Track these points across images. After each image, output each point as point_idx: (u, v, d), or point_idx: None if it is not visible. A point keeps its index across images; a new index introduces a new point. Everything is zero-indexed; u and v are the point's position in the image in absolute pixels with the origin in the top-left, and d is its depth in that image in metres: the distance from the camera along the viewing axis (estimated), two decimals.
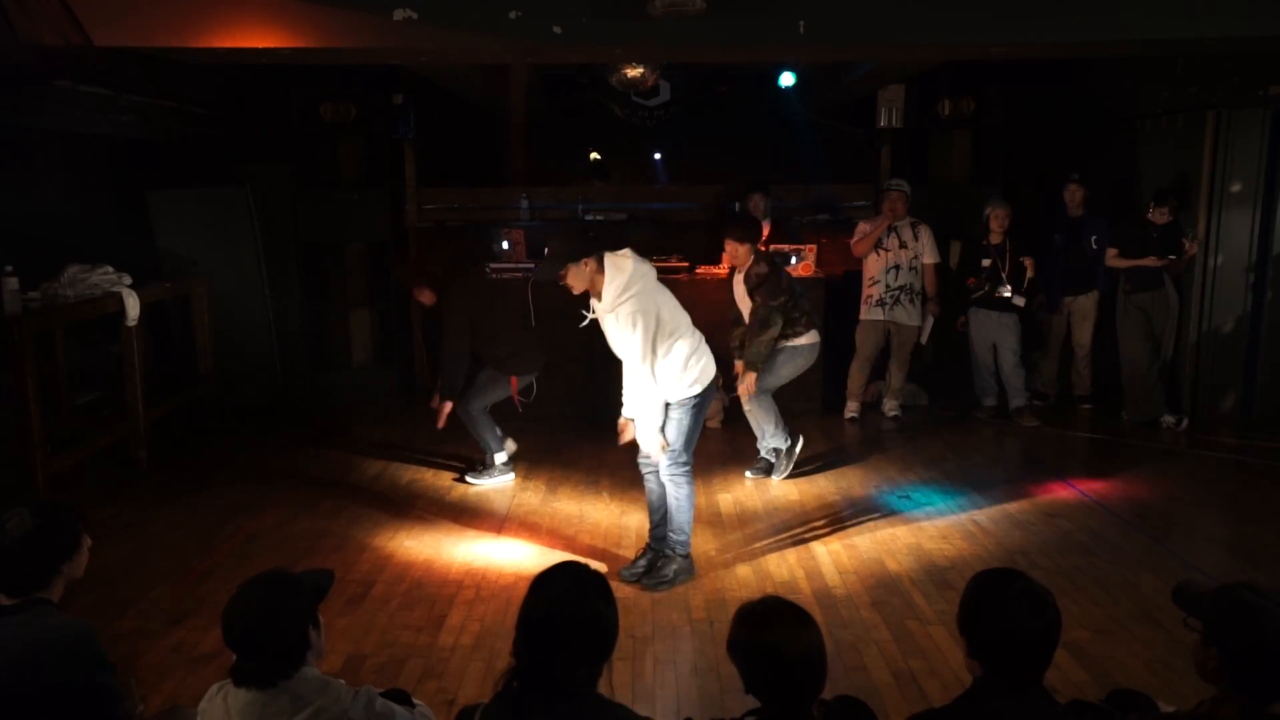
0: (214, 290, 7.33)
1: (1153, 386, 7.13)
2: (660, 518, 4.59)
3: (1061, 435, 7.05)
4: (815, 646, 2.20)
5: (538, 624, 2.13)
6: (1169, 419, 7.06)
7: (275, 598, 2.24)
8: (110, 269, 5.97)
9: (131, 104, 6.60)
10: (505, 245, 7.80)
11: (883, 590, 4.47)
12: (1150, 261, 6.98)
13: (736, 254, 5.83)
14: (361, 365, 8.43)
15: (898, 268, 7.14)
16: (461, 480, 5.99)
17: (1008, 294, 7.11)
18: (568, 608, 2.12)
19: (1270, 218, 6.98)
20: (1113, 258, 7.19)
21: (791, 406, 6.43)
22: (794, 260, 7.50)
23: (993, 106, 8.10)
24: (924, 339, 7.37)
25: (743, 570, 4.69)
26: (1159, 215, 6.99)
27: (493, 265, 7.58)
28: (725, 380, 5.65)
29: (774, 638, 2.18)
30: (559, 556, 4.63)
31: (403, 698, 2.55)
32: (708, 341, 4.52)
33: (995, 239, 7.17)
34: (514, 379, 5.83)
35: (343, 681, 2.31)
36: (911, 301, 7.20)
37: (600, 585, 2.21)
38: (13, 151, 6.09)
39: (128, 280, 6.06)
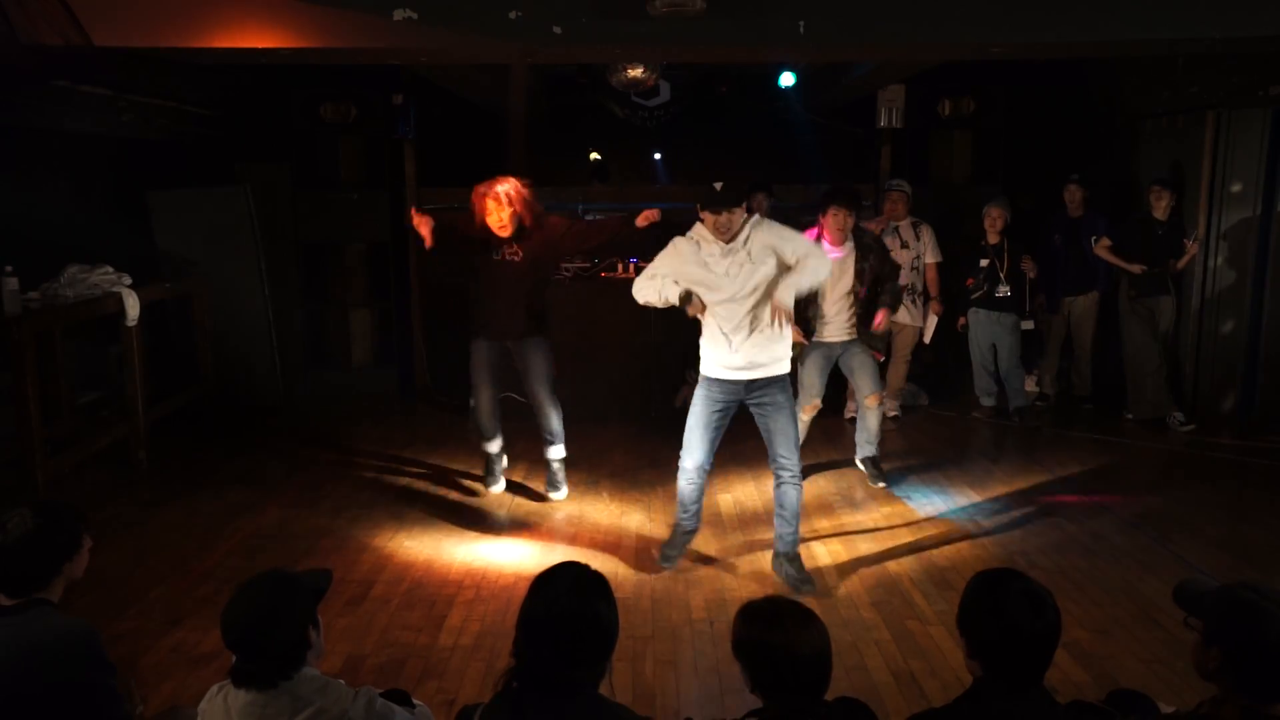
0: (214, 290, 7.34)
1: (1160, 385, 7.12)
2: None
3: (1061, 435, 7.05)
4: (823, 645, 2.21)
5: (538, 624, 2.13)
6: (1178, 415, 7.04)
7: (275, 598, 2.23)
8: (110, 269, 5.97)
9: (131, 104, 6.58)
10: None
11: (883, 590, 4.47)
12: (1137, 268, 6.96)
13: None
14: (361, 365, 8.43)
15: (899, 268, 7.13)
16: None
17: (1006, 293, 7.12)
18: (568, 608, 2.12)
19: (1270, 218, 6.98)
20: (1103, 248, 7.15)
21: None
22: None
23: (993, 106, 8.11)
24: (927, 339, 7.36)
25: (743, 570, 4.69)
26: (1159, 198, 6.94)
27: None
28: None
29: (783, 637, 2.19)
30: (559, 556, 4.62)
31: (403, 698, 2.55)
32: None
33: (992, 239, 7.16)
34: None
35: (342, 682, 2.30)
36: (913, 302, 7.19)
37: (600, 585, 2.21)
38: (13, 151, 6.08)
39: (128, 280, 6.06)
